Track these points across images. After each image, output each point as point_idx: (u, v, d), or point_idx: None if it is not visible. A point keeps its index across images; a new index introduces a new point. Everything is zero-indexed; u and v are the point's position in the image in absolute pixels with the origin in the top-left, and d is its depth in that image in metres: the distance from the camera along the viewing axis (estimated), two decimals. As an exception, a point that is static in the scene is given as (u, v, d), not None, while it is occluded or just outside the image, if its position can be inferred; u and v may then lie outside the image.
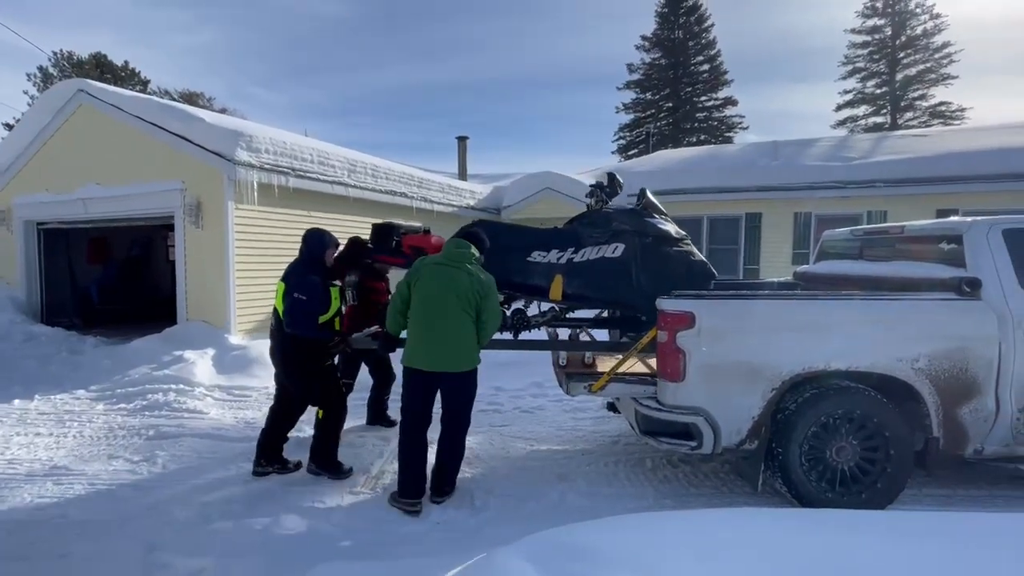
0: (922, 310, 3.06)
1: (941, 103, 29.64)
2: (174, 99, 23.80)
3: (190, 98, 29.13)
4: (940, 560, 1.64)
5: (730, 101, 34.34)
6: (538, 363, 4.14)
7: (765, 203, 11.60)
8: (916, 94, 30.25)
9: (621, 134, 36.36)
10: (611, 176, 3.98)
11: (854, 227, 4.66)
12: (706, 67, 34.37)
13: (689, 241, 3.83)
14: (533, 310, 3.98)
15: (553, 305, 3.90)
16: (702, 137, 33.58)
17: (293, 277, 3.46)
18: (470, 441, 3.32)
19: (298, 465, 3.71)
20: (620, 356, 3.44)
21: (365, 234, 4.20)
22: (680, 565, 1.71)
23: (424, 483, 3.20)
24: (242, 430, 4.66)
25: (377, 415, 4.68)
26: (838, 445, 3.01)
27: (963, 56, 29.46)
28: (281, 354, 3.57)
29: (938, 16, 29.14)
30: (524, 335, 3.89)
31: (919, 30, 29.67)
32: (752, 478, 3.16)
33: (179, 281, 7.24)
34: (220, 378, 5.97)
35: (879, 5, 30.49)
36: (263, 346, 6.58)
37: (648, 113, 35.52)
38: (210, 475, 3.71)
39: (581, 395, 3.40)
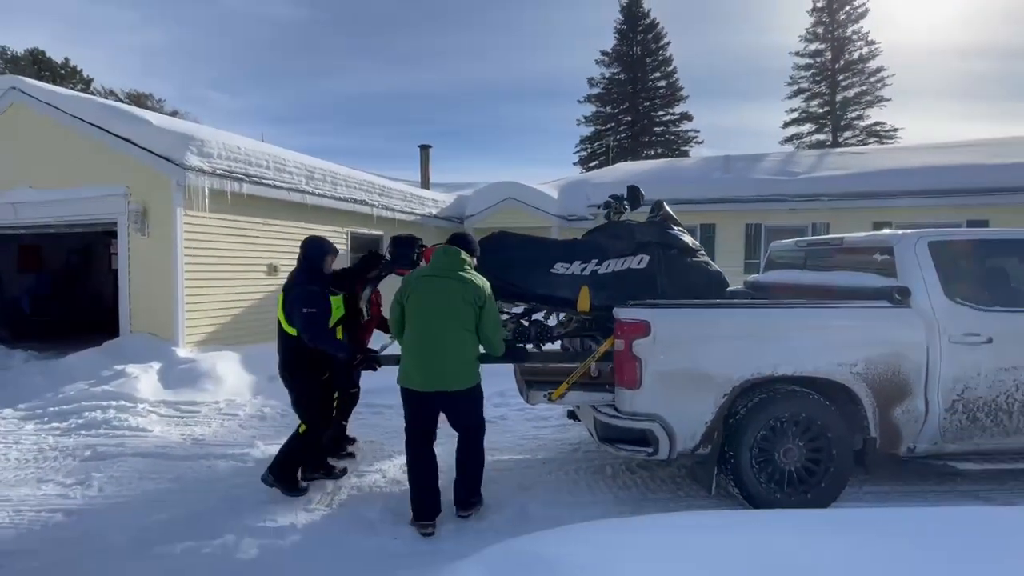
0: (858, 317, 3.25)
1: (876, 123, 31.86)
2: (120, 100, 22.67)
3: (138, 99, 27.81)
4: (903, 556, 1.74)
5: (686, 116, 35.73)
6: (500, 373, 4.12)
7: (719, 215, 12.08)
8: (854, 114, 32.37)
9: (582, 146, 37.18)
10: (633, 189, 3.95)
11: (799, 238, 4.90)
12: (663, 83, 35.66)
13: (704, 252, 3.91)
14: (549, 321, 3.97)
15: (571, 316, 3.90)
16: (659, 150, 34.71)
17: (295, 289, 3.38)
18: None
19: (344, 471, 3.66)
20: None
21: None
22: (638, 570, 1.74)
23: (438, 500, 3.08)
24: (189, 447, 4.43)
25: (336, 442, 4.08)
26: (785, 447, 3.15)
27: (895, 80, 31.80)
28: (291, 363, 3.48)
29: (872, 43, 31.40)
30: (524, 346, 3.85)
31: (856, 55, 31.84)
32: (706, 482, 3.26)
33: (122, 291, 6.85)
34: (166, 393, 5.66)
35: (820, 31, 32.53)
36: (215, 358, 6.37)
37: (608, 126, 36.47)
38: (151, 497, 3.50)
39: (541, 404, 3.41)
